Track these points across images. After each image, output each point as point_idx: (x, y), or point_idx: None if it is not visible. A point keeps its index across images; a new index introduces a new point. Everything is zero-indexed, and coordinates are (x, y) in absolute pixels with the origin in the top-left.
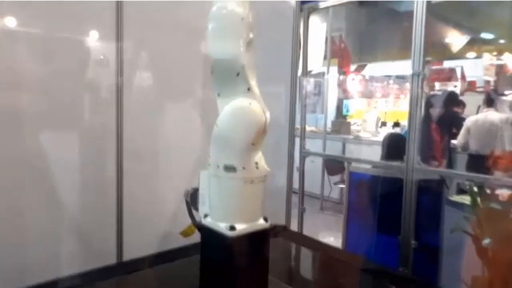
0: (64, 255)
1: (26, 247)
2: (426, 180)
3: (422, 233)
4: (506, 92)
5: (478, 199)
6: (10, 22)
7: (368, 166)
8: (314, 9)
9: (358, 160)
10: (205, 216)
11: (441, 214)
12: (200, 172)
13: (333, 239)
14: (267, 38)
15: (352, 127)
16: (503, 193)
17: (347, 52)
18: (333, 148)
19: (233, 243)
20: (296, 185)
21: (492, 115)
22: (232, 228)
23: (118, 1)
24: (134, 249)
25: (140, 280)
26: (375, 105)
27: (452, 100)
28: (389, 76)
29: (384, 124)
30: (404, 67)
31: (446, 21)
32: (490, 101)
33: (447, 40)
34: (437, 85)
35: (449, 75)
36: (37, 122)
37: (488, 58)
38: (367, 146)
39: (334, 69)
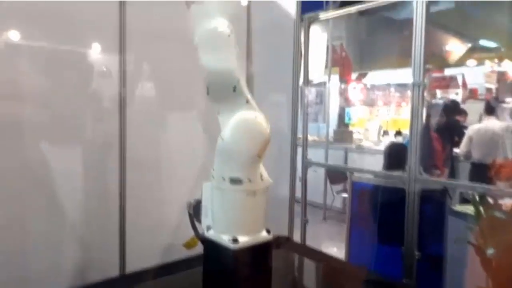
0: (66, 266)
1: (28, 258)
2: (429, 189)
3: (426, 244)
4: (507, 100)
5: (481, 209)
6: (14, 35)
7: (371, 176)
8: (315, 20)
9: (360, 170)
10: (208, 228)
11: (444, 225)
12: (203, 184)
13: (336, 249)
14: (269, 48)
15: (354, 136)
16: (506, 202)
17: (348, 61)
18: (335, 157)
19: (235, 255)
20: (298, 194)
21: (493, 124)
22: (235, 240)
23: (121, 13)
24: (137, 261)
25: None
26: (377, 113)
27: (453, 108)
28: (390, 84)
29: (386, 132)
30: (405, 75)
31: (446, 29)
32: (490, 109)
33: (447, 48)
34: (439, 93)
35: (450, 82)
36: (41, 133)
37: (489, 65)
38: (370, 155)
39: (335, 78)
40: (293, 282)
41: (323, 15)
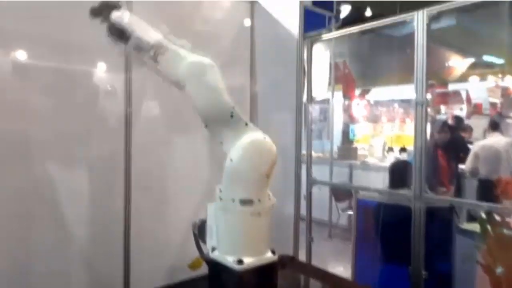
0: (71, 286)
1: (32, 277)
2: (435, 207)
3: (433, 263)
4: (511, 115)
5: (488, 227)
6: (21, 55)
7: (376, 194)
8: (317, 40)
9: (366, 189)
10: (213, 249)
11: (452, 243)
12: (208, 205)
13: (342, 268)
14: (272, 67)
15: (359, 152)
16: None
17: (351, 78)
18: (340, 174)
19: (240, 277)
20: (303, 212)
21: (498, 140)
22: (240, 261)
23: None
24: (141, 282)
25: None
26: (381, 129)
27: (458, 124)
28: (394, 100)
29: (391, 149)
30: (408, 90)
31: (448, 46)
32: (495, 125)
33: (450, 64)
34: (443, 109)
35: (454, 98)
36: (47, 152)
37: (493, 80)
38: (375, 171)
39: (339, 95)
40: None
41: (325, 35)
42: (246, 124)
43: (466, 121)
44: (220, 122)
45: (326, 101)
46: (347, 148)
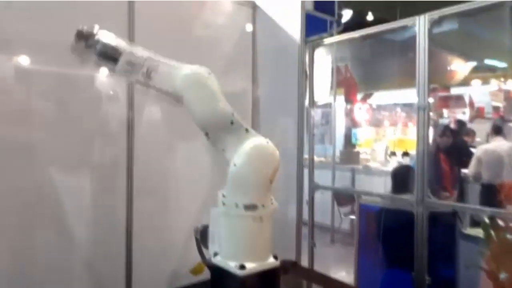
0: None
1: (36, 280)
2: (438, 212)
3: (436, 269)
4: None
5: (492, 232)
6: (25, 60)
7: (378, 198)
8: (319, 45)
9: (368, 193)
10: (215, 254)
11: (455, 248)
12: (210, 210)
13: (345, 273)
14: (274, 72)
15: (361, 157)
16: None
17: (353, 81)
18: (343, 179)
19: (243, 282)
20: (305, 216)
21: (501, 144)
22: (242, 267)
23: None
24: (143, 287)
25: None
26: (384, 133)
27: (460, 128)
28: (396, 104)
29: (393, 153)
30: (410, 94)
31: (450, 49)
32: (497, 129)
33: (452, 68)
34: (445, 113)
35: (457, 102)
36: (49, 157)
37: (495, 84)
38: (377, 176)
39: (341, 99)
40: None
41: (327, 40)
42: (247, 130)
43: (469, 125)
44: (220, 129)
45: (328, 105)
46: (350, 152)
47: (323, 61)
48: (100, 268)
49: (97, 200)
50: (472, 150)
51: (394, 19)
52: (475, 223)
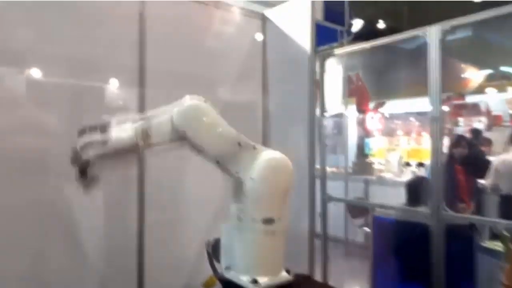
0: None
1: None
2: (455, 225)
3: (455, 283)
4: None
5: (511, 245)
6: (36, 72)
7: (393, 211)
8: (329, 55)
9: (382, 206)
10: (227, 268)
11: (473, 262)
12: (223, 224)
13: None
14: (285, 82)
15: (374, 167)
16: None
17: (365, 90)
18: (356, 190)
19: None
20: (318, 229)
21: None
22: (255, 281)
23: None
24: None
25: None
26: (397, 143)
27: (476, 138)
28: (409, 113)
29: (407, 163)
30: (424, 102)
31: (464, 57)
32: None
33: (466, 75)
34: (461, 121)
35: (473, 110)
36: (61, 170)
37: None
38: (391, 187)
39: (353, 108)
40: None
41: (337, 51)
42: (254, 148)
43: (486, 134)
44: (230, 154)
45: (340, 115)
46: (362, 162)
47: (334, 70)
48: (112, 282)
49: (108, 214)
50: (490, 159)
51: (401, 25)
52: (494, 236)
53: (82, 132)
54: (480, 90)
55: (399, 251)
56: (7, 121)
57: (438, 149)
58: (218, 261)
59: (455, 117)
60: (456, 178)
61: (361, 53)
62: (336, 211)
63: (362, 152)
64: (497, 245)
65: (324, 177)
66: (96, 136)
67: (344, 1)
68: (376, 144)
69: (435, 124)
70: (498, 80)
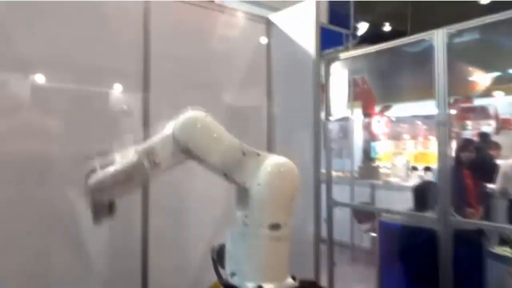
0: None
1: None
2: (463, 230)
3: None
4: None
5: None
6: (40, 78)
7: (400, 216)
8: (334, 59)
9: (389, 211)
10: (232, 274)
11: (482, 268)
12: (227, 230)
13: None
14: (289, 86)
15: (381, 171)
16: None
17: (371, 94)
18: (362, 194)
19: None
20: (324, 234)
21: None
22: None
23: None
24: None
25: None
26: (404, 147)
27: (483, 142)
28: (416, 116)
29: (414, 168)
30: (431, 106)
31: (471, 60)
32: None
33: (473, 79)
34: (469, 124)
35: (481, 113)
36: (64, 176)
37: None
38: (398, 191)
39: (358, 112)
40: None
41: (343, 55)
42: (258, 154)
43: (494, 137)
44: (235, 165)
45: (345, 119)
46: (368, 167)
47: (339, 74)
48: (116, 286)
49: (111, 221)
50: (498, 163)
51: (407, 28)
52: (503, 241)
53: (92, 171)
54: (487, 93)
55: (406, 257)
56: (12, 125)
57: (445, 153)
58: (223, 267)
59: (463, 121)
60: (464, 183)
61: (367, 56)
62: (342, 216)
63: (368, 156)
64: (507, 251)
65: (329, 182)
66: (105, 172)
67: (348, 1)
68: (382, 148)
69: (442, 128)
70: (506, 83)
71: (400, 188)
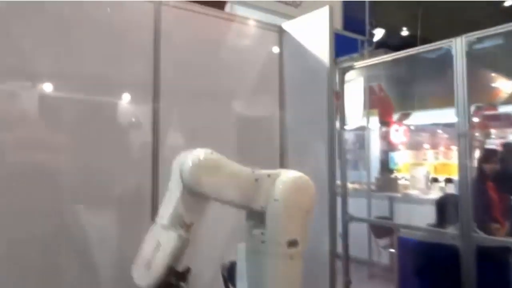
0: None
1: None
2: (488, 247)
3: None
4: None
5: None
6: (48, 89)
7: (420, 231)
8: (349, 68)
9: (408, 227)
10: None
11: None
12: (238, 246)
13: None
14: (303, 96)
15: (399, 183)
16: None
17: (388, 101)
18: (379, 208)
19: None
20: (340, 249)
21: None
22: None
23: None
24: None
25: None
26: (424, 157)
27: (509, 152)
28: (437, 125)
29: (435, 179)
30: (453, 114)
31: (494, 65)
32: None
33: (496, 85)
34: (493, 133)
35: (506, 121)
36: (72, 187)
37: None
38: (418, 205)
39: (375, 120)
40: None
41: (358, 64)
42: (269, 176)
43: None
44: (251, 193)
45: (362, 128)
46: (386, 178)
47: (355, 81)
48: None
49: (121, 233)
50: None
51: (426, 33)
52: None
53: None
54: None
55: (426, 275)
56: (21, 136)
57: (466, 165)
58: (234, 285)
59: (487, 129)
60: (488, 196)
61: (383, 63)
62: (358, 230)
63: (386, 167)
64: None
65: (345, 195)
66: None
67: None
68: (401, 159)
69: (463, 139)
70: None
71: (420, 201)
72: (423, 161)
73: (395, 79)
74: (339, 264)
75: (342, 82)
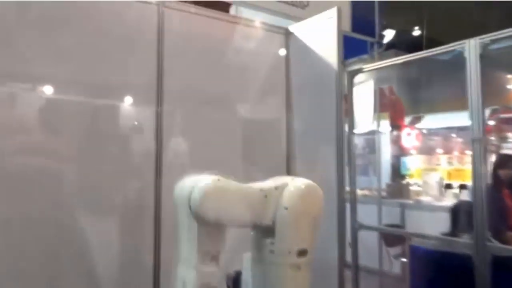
0: None
1: None
2: (504, 257)
3: None
4: None
5: None
6: (52, 94)
7: (433, 240)
8: (358, 71)
9: (420, 236)
10: None
11: None
12: (244, 256)
13: None
14: (310, 100)
15: (411, 189)
16: None
17: (399, 104)
18: (390, 215)
19: None
20: (349, 257)
21: None
22: None
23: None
24: None
25: None
26: (437, 162)
27: None
28: (450, 128)
29: (448, 186)
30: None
31: (509, 67)
32: None
33: (511, 87)
34: (510, 137)
35: None
36: (74, 195)
37: None
38: (430, 212)
39: (386, 124)
40: None
41: (367, 67)
42: (276, 188)
43: None
44: (262, 211)
45: (372, 132)
46: (398, 184)
47: (364, 83)
48: None
49: (123, 239)
50: None
51: (436, 33)
52: None
53: None
54: None
55: (438, 285)
56: (23, 142)
57: (480, 171)
58: None
59: (503, 133)
60: (504, 204)
61: (394, 64)
62: (369, 238)
63: (397, 172)
64: None
65: (354, 202)
66: None
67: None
68: (413, 164)
69: (476, 144)
70: None
71: (433, 209)
72: (436, 167)
73: (407, 81)
74: (348, 274)
75: (351, 84)
